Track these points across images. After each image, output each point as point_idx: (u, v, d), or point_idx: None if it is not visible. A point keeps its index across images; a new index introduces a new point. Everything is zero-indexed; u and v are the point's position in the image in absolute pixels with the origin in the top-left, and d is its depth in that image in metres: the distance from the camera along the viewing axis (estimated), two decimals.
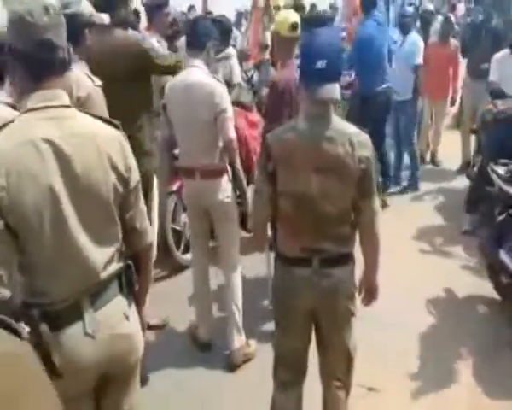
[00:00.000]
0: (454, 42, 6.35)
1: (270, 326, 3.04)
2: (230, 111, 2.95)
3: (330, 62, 1.91)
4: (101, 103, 2.39)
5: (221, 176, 3.02)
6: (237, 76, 4.25)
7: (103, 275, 1.58)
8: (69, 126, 1.51)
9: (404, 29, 5.77)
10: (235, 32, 5.76)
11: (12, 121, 1.49)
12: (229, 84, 4.09)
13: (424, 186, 5.96)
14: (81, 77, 2.36)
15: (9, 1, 1.64)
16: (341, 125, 2.00)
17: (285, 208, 2.02)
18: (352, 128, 2.01)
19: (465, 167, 6.03)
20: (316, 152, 1.95)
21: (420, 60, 5.53)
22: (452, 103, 6.47)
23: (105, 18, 2.70)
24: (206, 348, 3.25)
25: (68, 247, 1.52)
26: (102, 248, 1.58)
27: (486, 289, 3.78)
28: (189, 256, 4.06)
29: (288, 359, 2.20)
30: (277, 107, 3.09)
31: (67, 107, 1.54)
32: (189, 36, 3.05)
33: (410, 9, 6.10)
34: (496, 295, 3.71)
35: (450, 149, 6.50)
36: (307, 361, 2.24)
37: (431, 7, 8.64)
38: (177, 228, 4.14)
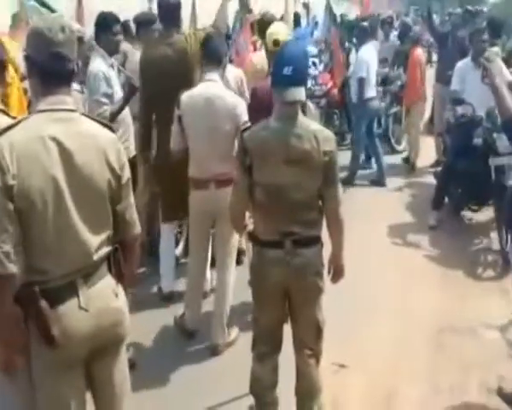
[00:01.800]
0: (417, 50, 6.84)
1: (249, 315, 3.29)
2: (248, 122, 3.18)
3: (295, 69, 2.22)
4: None
5: (232, 184, 3.27)
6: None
7: (96, 257, 1.79)
8: (72, 127, 1.73)
9: (358, 41, 6.67)
10: None
11: (24, 120, 1.71)
12: None
13: (395, 182, 6.41)
14: None
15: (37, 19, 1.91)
16: (307, 124, 2.29)
17: (260, 197, 2.33)
18: (316, 126, 2.32)
19: (437, 165, 6.47)
20: (286, 147, 2.25)
21: (361, 73, 6.13)
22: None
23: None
24: (191, 337, 3.44)
25: (68, 230, 1.72)
26: (96, 234, 1.78)
27: (446, 273, 4.25)
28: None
29: (265, 332, 2.47)
30: (257, 111, 3.26)
31: (72, 111, 1.77)
32: (206, 51, 3.22)
33: (364, 24, 6.94)
34: (454, 279, 4.11)
35: (424, 149, 6.95)
36: (282, 335, 2.51)
37: (408, 20, 9.51)
38: None
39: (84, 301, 1.77)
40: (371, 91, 6.28)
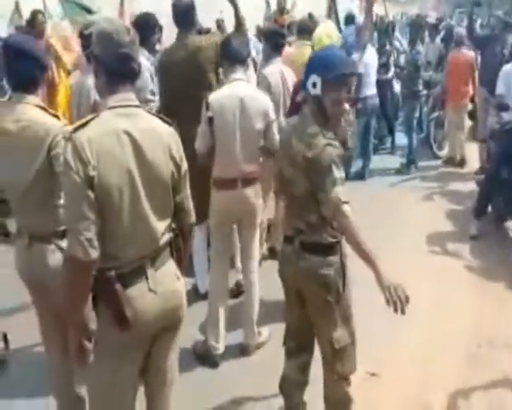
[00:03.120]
0: (466, 52, 6.75)
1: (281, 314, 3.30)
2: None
3: (304, 73, 2.30)
4: None
5: (257, 182, 3.22)
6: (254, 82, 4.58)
7: (161, 242, 1.91)
8: (140, 122, 1.83)
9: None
10: (257, 44, 6.14)
11: (96, 116, 1.79)
12: None
13: (436, 189, 6.31)
14: None
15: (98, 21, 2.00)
16: (308, 127, 2.22)
17: (279, 183, 2.45)
18: (313, 130, 2.20)
19: (481, 172, 6.25)
20: (287, 145, 2.30)
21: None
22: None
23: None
24: (217, 362, 3.25)
25: (140, 219, 1.83)
26: (162, 221, 1.90)
27: (486, 285, 4.12)
28: None
29: (291, 328, 2.46)
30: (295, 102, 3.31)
31: (137, 107, 1.87)
32: (227, 52, 3.21)
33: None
34: (494, 291, 3.99)
35: (467, 155, 6.85)
36: (311, 335, 2.40)
37: (452, 22, 9.42)
38: None
39: (153, 283, 1.87)
40: (369, 89, 6.37)
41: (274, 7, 8.54)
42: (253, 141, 3.15)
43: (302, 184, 2.23)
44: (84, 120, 1.79)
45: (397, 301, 1.94)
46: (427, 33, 8.48)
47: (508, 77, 4.89)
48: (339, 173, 2.11)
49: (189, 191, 2.05)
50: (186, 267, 2.19)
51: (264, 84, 4.07)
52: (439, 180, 6.62)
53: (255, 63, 5.47)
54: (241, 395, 2.99)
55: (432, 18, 10.75)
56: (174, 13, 3.76)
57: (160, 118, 1.96)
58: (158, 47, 4.20)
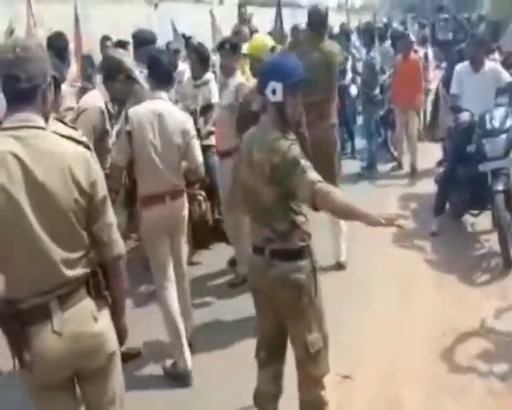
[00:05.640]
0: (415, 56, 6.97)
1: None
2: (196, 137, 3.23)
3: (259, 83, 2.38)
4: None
5: (184, 193, 3.26)
6: (216, 97, 4.57)
7: (68, 276, 1.75)
8: (35, 145, 1.70)
9: None
10: (213, 57, 6.09)
11: None
12: (209, 106, 4.47)
13: (397, 191, 6.47)
14: None
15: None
16: (269, 134, 2.24)
17: (242, 195, 2.41)
18: (274, 135, 2.22)
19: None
20: (250, 151, 2.30)
21: None
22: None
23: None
24: (188, 379, 3.19)
25: (33, 248, 1.70)
26: (66, 252, 1.75)
27: (447, 278, 4.29)
28: None
29: (262, 338, 2.45)
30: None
31: (38, 128, 1.72)
32: (154, 71, 3.18)
33: None
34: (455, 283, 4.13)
35: (424, 155, 7.06)
36: (283, 344, 2.42)
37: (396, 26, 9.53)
38: None
39: (58, 324, 1.75)
40: None
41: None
42: (173, 155, 3.11)
43: (268, 193, 2.23)
44: None
45: (392, 221, 2.15)
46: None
47: (460, 76, 4.98)
48: (306, 162, 2.15)
49: (110, 220, 1.87)
50: (122, 309, 2.00)
51: (241, 92, 4.03)
52: (399, 181, 6.78)
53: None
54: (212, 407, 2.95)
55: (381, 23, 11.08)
56: (310, 18, 4.44)
57: (74, 139, 1.80)
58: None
